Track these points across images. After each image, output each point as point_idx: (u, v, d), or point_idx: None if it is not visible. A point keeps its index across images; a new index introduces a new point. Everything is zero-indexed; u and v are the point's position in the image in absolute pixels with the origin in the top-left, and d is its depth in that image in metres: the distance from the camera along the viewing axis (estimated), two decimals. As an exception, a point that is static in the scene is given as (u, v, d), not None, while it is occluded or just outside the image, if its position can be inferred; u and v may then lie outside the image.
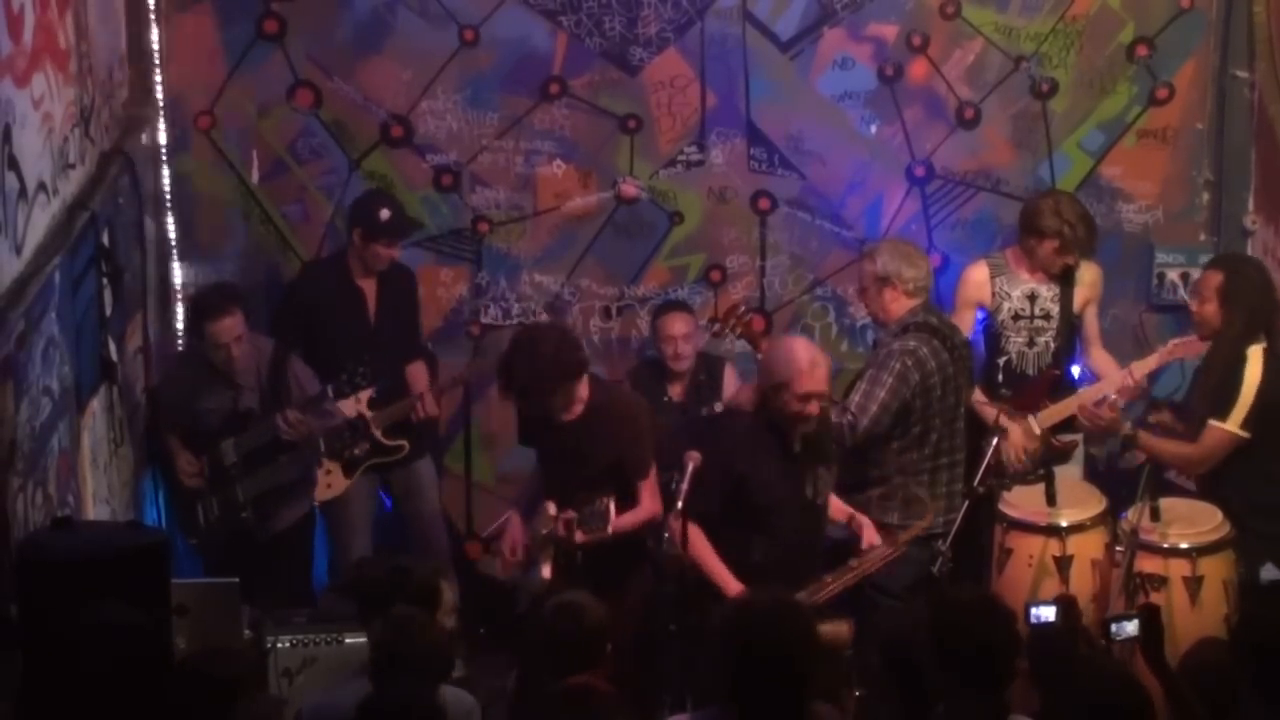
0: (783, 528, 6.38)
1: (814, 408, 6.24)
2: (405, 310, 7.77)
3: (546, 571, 6.60)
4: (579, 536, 6.46)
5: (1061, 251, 7.36)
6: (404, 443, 7.56)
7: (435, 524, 7.91)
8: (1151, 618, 5.33)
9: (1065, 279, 7.46)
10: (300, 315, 7.62)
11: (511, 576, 6.92)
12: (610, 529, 6.42)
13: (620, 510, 6.51)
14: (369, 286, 7.60)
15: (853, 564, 6.39)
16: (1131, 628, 5.35)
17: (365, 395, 7.38)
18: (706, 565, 6.39)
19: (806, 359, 6.22)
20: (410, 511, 7.89)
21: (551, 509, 6.61)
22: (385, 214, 7.48)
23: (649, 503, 6.59)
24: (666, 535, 6.39)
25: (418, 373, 7.72)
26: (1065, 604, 5.92)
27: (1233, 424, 6.67)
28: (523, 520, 6.83)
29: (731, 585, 6.29)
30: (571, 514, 6.48)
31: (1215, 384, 6.76)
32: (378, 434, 7.48)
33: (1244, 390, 6.66)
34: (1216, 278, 6.82)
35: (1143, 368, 7.27)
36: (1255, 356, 6.71)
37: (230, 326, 7.20)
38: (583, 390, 6.57)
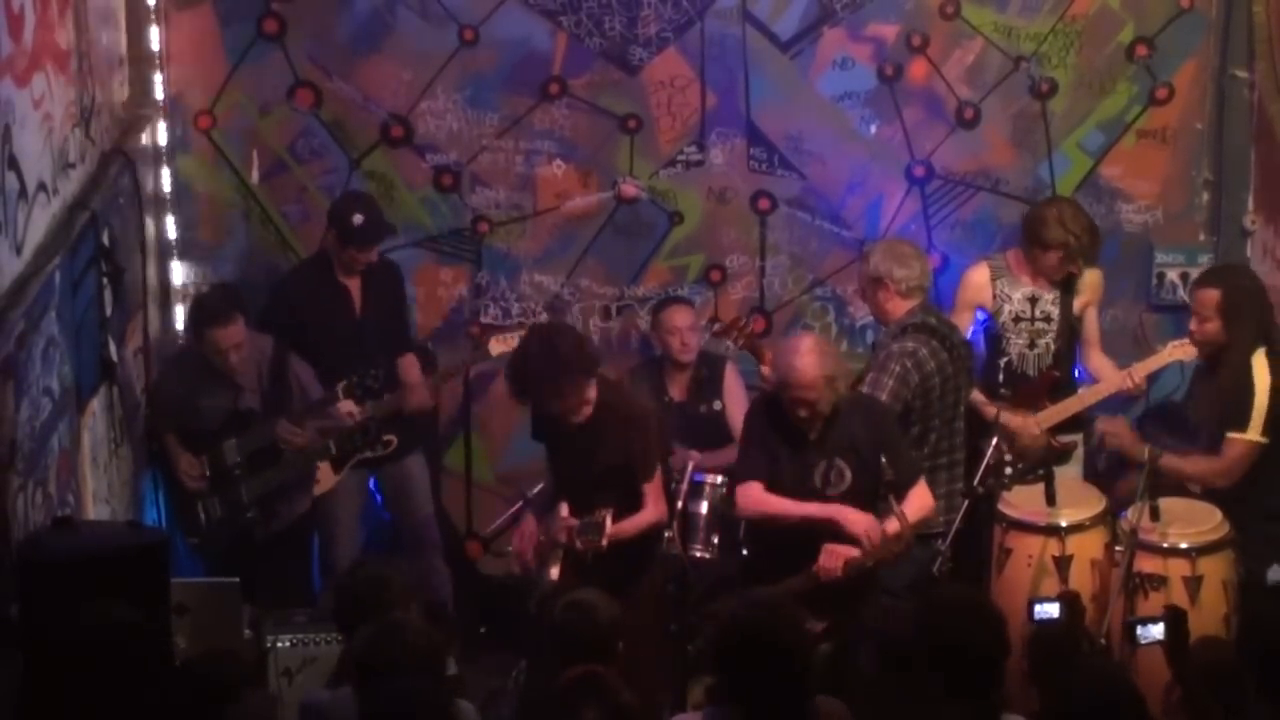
0: None
1: (802, 410, 6.29)
2: (392, 305, 7.73)
3: (554, 573, 6.60)
4: (578, 545, 6.47)
5: (1066, 262, 7.37)
6: (392, 438, 7.53)
7: (427, 521, 7.84)
8: (1178, 621, 5.30)
9: (1066, 283, 7.46)
10: (286, 315, 7.59)
11: (522, 573, 6.92)
12: (605, 541, 6.41)
13: (625, 512, 6.51)
14: (353, 284, 7.57)
15: (792, 581, 6.28)
16: (1157, 631, 5.33)
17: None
18: (772, 508, 6.43)
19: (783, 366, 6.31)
20: (401, 509, 7.86)
21: (564, 511, 6.62)
22: (358, 219, 7.42)
23: (653, 506, 6.58)
24: (668, 535, 6.40)
25: (410, 366, 7.70)
26: (1069, 600, 5.93)
27: (1253, 432, 6.67)
28: (539, 519, 6.83)
29: (796, 510, 6.34)
30: (574, 522, 6.49)
31: (1228, 396, 6.74)
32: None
33: (1257, 397, 6.66)
34: (1214, 295, 6.79)
35: (1143, 369, 7.28)
36: (1260, 362, 6.70)
37: (232, 334, 7.21)
38: (591, 392, 6.56)
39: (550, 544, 6.63)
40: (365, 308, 7.58)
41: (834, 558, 6.27)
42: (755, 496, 6.47)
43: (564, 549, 6.58)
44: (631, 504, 6.54)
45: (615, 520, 6.45)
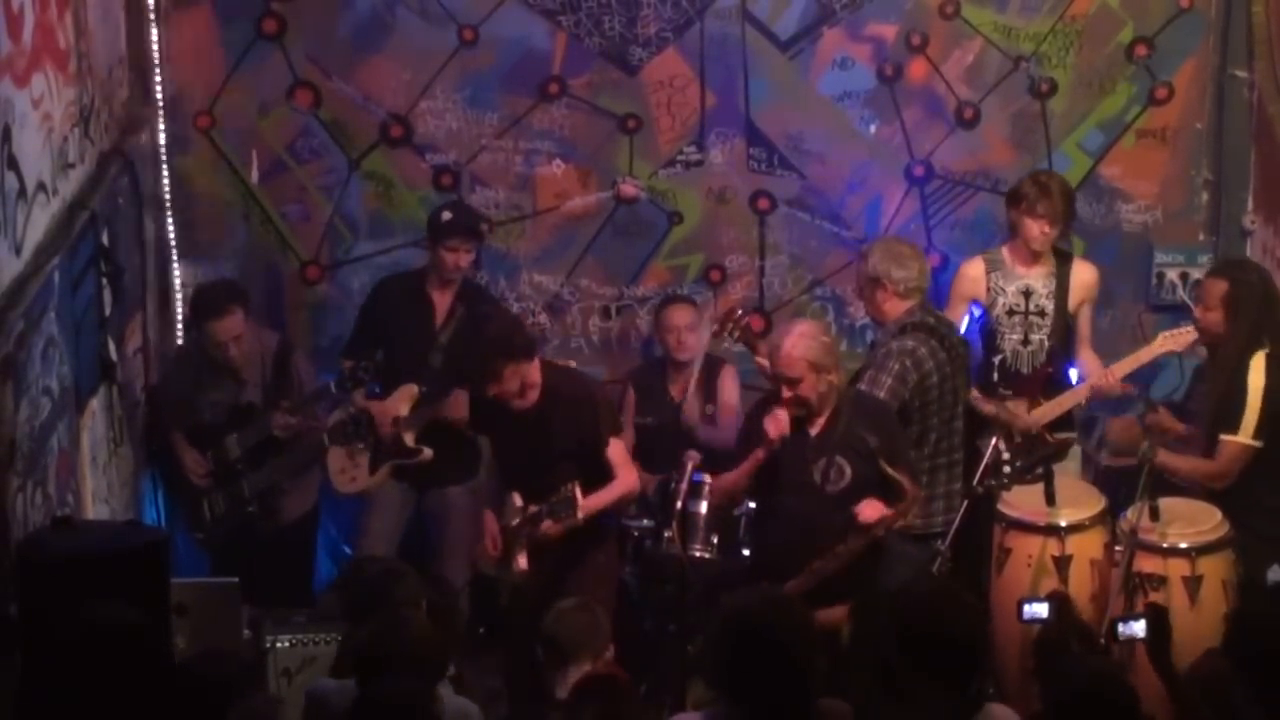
0: (782, 505, 6.42)
1: (785, 390, 6.32)
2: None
3: (523, 563, 6.59)
4: (547, 526, 6.44)
5: (1028, 213, 7.27)
6: (424, 449, 7.41)
7: (452, 555, 7.56)
8: (1159, 619, 5.31)
9: (1060, 275, 7.43)
10: (372, 310, 7.60)
11: (497, 572, 6.92)
12: (581, 514, 6.38)
13: (591, 488, 6.49)
14: (442, 300, 7.49)
15: (839, 549, 6.27)
16: (1138, 628, 5.35)
17: (410, 395, 7.34)
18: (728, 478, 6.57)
19: (773, 344, 6.44)
20: (433, 535, 7.75)
21: (517, 500, 6.60)
22: (446, 215, 7.44)
23: (624, 475, 6.60)
24: (667, 535, 6.40)
25: (460, 397, 7.39)
26: (1058, 600, 5.93)
27: (1244, 435, 6.64)
28: (493, 514, 6.82)
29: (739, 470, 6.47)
30: (534, 509, 6.46)
31: (1220, 395, 6.74)
32: (408, 437, 7.39)
33: (1250, 399, 6.64)
34: (1221, 286, 6.78)
35: (1122, 369, 7.25)
36: (1258, 364, 6.69)
37: (230, 326, 7.22)
38: (533, 375, 6.53)
39: (513, 535, 6.60)
40: (445, 326, 7.47)
41: (875, 510, 6.24)
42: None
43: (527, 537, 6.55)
44: (592, 484, 6.52)
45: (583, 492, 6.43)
